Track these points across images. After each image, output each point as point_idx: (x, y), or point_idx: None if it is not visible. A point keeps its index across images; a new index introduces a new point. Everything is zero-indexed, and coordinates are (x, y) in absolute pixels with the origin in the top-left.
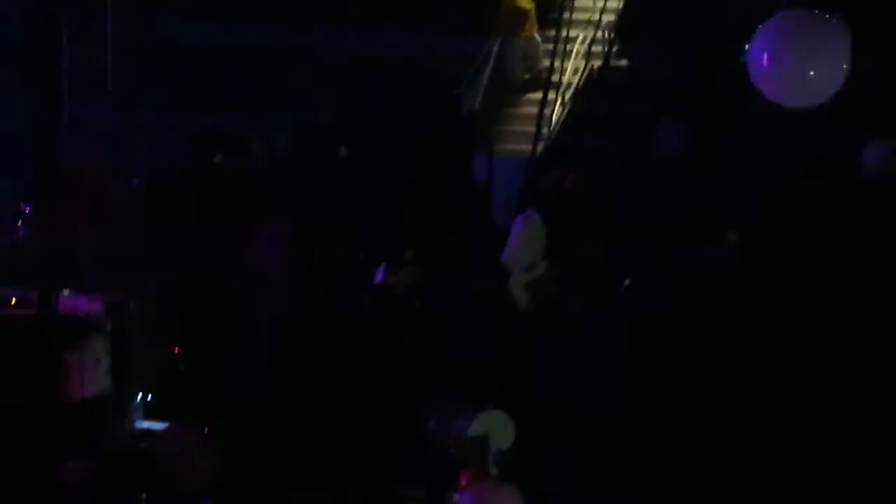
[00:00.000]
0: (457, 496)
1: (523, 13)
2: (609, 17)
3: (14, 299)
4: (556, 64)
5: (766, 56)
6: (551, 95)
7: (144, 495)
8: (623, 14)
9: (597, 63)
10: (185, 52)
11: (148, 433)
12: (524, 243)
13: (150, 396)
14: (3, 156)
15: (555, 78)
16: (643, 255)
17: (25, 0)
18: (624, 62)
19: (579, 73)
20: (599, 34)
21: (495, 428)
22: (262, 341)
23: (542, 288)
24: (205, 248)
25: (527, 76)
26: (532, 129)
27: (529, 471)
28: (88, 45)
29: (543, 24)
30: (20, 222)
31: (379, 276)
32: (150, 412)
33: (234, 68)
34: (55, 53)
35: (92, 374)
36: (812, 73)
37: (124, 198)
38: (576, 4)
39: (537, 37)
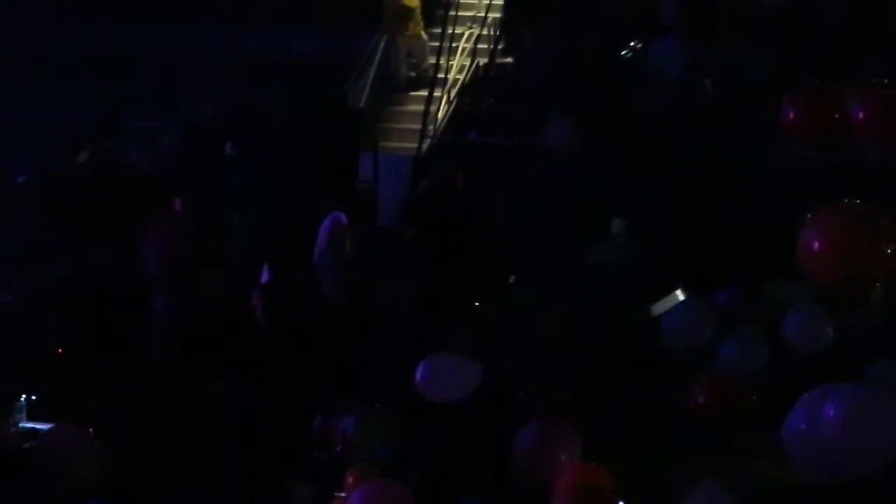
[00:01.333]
0: (343, 495)
1: (408, 11)
2: (495, 14)
3: None
4: (442, 61)
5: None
6: (437, 93)
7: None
8: (508, 10)
9: (483, 60)
10: (74, 52)
11: (32, 433)
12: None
13: (33, 397)
14: None
15: (441, 75)
16: (531, 252)
17: None
18: (510, 59)
19: (465, 71)
20: (485, 31)
21: (381, 426)
22: (150, 340)
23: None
24: (92, 246)
25: (413, 74)
26: (418, 126)
27: (415, 469)
28: None
29: (429, 21)
30: None
31: (264, 277)
32: (33, 413)
33: (121, 67)
34: None
35: None
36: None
37: (10, 195)
38: (461, 1)
39: (423, 34)
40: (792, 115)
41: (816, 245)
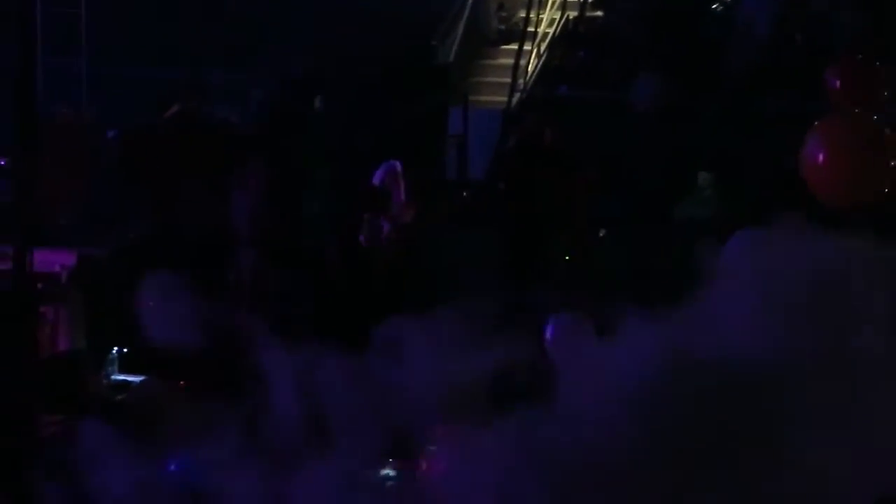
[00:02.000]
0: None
1: None
2: None
3: None
4: (532, 15)
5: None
6: (527, 47)
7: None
8: None
9: (573, 13)
10: (157, 4)
11: (124, 386)
12: None
13: (125, 350)
14: None
15: (531, 29)
16: (620, 206)
17: None
18: (599, 13)
19: (555, 24)
20: None
21: None
22: (239, 295)
23: None
24: (181, 201)
25: (502, 27)
26: (508, 80)
27: None
28: None
29: None
30: None
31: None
32: (125, 366)
33: (208, 20)
34: (27, 5)
35: (67, 328)
36: None
37: (101, 150)
38: None
39: None
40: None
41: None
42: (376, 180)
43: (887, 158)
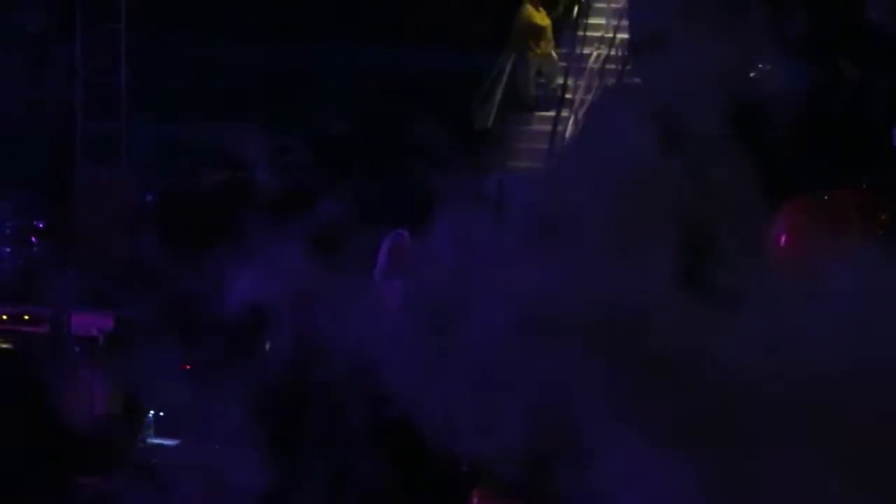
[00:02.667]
0: None
1: (540, 29)
2: (623, 35)
3: (27, 316)
4: (570, 81)
5: None
6: (565, 113)
7: None
8: (636, 32)
9: (611, 80)
10: (197, 65)
11: (160, 449)
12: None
13: (160, 413)
14: (21, 171)
15: (568, 95)
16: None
17: (40, 16)
18: (638, 80)
19: (593, 91)
20: (613, 52)
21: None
22: (271, 363)
23: None
24: (216, 264)
25: (541, 93)
26: (545, 146)
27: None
28: (103, 59)
29: (558, 41)
30: (34, 239)
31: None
32: (161, 429)
33: (253, 82)
34: (69, 67)
35: (103, 391)
36: None
37: (139, 212)
38: (590, 22)
39: (553, 54)
40: None
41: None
42: (382, 253)
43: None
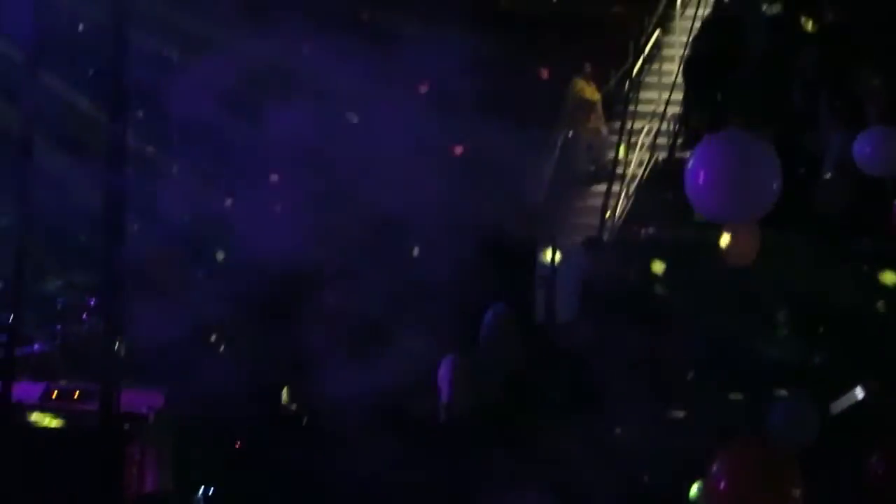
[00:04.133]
0: None
1: (589, 105)
2: (674, 109)
3: (77, 393)
4: (621, 156)
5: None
6: (616, 188)
7: None
8: (687, 106)
9: (662, 155)
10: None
11: None
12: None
13: (211, 491)
14: (71, 247)
15: (619, 170)
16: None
17: (90, 95)
18: (689, 154)
19: (644, 165)
20: (664, 126)
21: None
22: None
23: None
24: (274, 341)
25: (592, 168)
26: (596, 221)
27: None
28: (155, 137)
29: (608, 115)
30: (85, 315)
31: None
32: None
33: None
34: (120, 145)
35: (153, 468)
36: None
37: (191, 289)
38: (641, 96)
39: (603, 129)
40: None
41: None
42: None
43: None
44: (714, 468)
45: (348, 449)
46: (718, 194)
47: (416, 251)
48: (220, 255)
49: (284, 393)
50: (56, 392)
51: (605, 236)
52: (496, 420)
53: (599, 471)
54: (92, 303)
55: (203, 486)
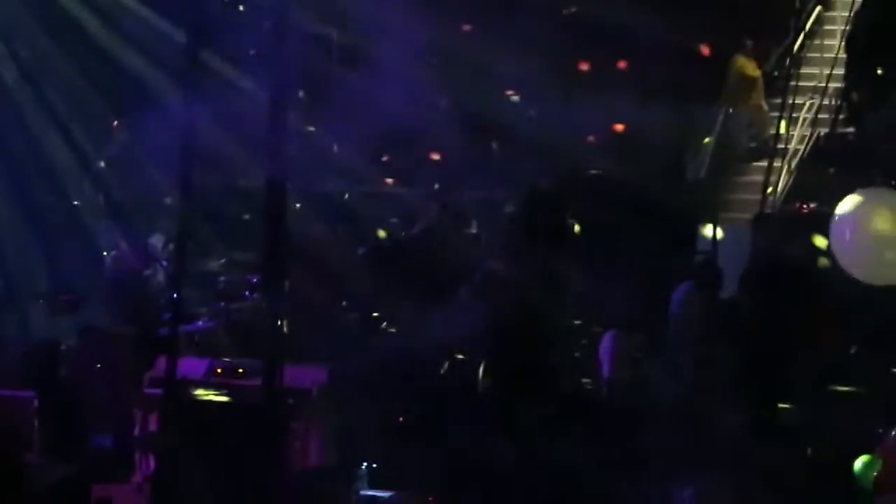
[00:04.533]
0: None
1: (751, 81)
2: (835, 84)
3: (241, 369)
4: (783, 132)
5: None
6: (777, 163)
7: None
8: (849, 81)
9: (823, 130)
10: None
11: (373, 501)
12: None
13: (374, 465)
14: (242, 229)
15: (780, 146)
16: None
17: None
18: (851, 129)
19: (805, 141)
20: (826, 101)
21: (719, 494)
22: (482, 411)
23: None
24: (428, 315)
25: (753, 144)
26: (758, 197)
27: None
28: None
29: (769, 91)
30: (248, 292)
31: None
32: (374, 480)
33: (456, 137)
34: (280, 129)
35: (317, 443)
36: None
37: (351, 267)
38: (802, 72)
39: (764, 105)
40: None
41: None
42: (675, 301)
43: None
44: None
45: (513, 425)
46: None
47: (576, 227)
48: (382, 234)
49: (481, 369)
50: (220, 368)
51: (768, 212)
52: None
53: (766, 446)
54: (254, 280)
55: (366, 461)
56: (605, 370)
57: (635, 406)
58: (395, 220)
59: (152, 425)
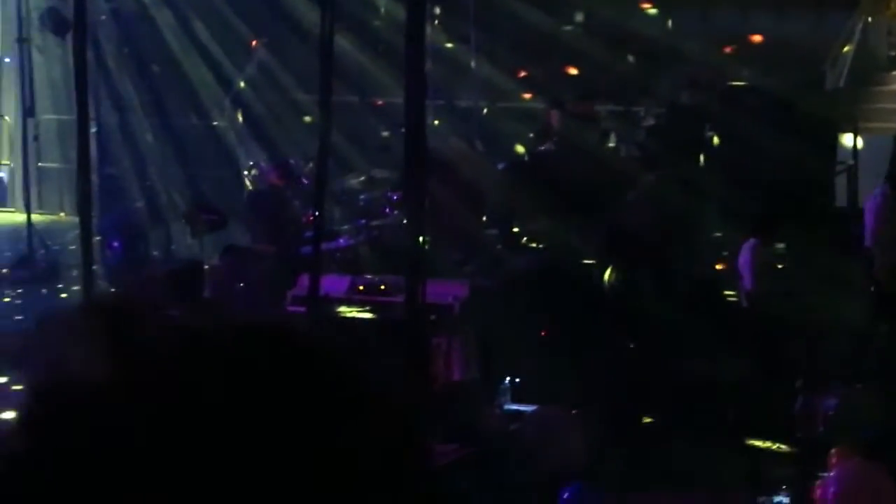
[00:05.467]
0: (825, 474)
1: None
2: None
3: (383, 286)
4: None
5: None
6: None
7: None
8: None
9: None
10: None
11: (517, 416)
12: (880, 223)
13: (518, 379)
14: (373, 143)
15: None
16: None
17: None
18: None
19: None
20: None
21: (865, 405)
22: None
23: None
24: (567, 227)
25: (893, 53)
26: None
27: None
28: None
29: None
30: (388, 210)
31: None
32: (517, 395)
33: (602, 53)
34: (419, 39)
35: (459, 358)
36: None
37: (492, 182)
38: None
39: None
40: None
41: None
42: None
43: None
44: None
45: (654, 337)
46: None
47: (715, 140)
48: (520, 149)
49: (608, 273)
50: (362, 285)
51: None
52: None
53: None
54: (394, 197)
55: (509, 376)
56: (747, 282)
57: (779, 317)
58: (531, 135)
59: None
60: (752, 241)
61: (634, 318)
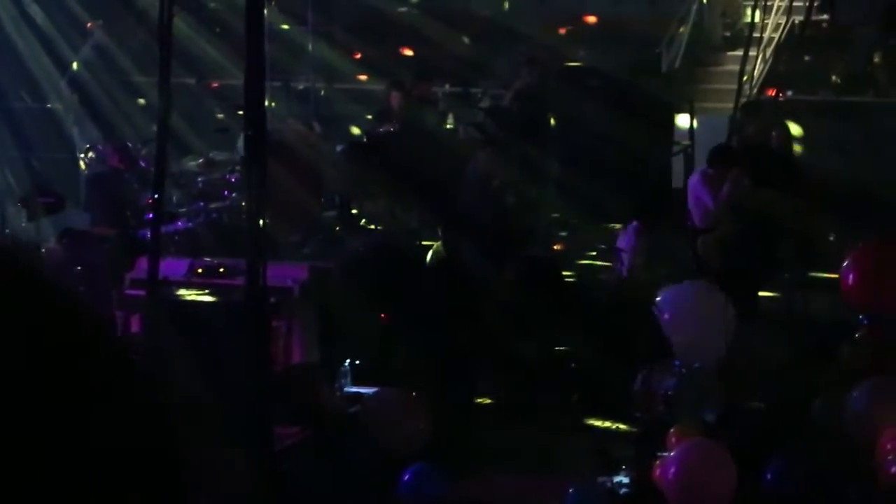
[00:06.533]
0: (665, 454)
1: None
2: None
3: (222, 269)
4: (757, 20)
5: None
6: (752, 52)
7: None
8: None
9: (798, 18)
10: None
11: (357, 398)
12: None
13: (357, 361)
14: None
15: (756, 34)
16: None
17: None
18: (825, 17)
19: (780, 29)
20: None
21: (702, 386)
22: (464, 302)
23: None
24: (406, 208)
25: (727, 33)
26: (734, 86)
27: (735, 429)
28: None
29: None
30: (227, 192)
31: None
32: (358, 377)
33: (435, 35)
34: (258, 28)
35: (300, 341)
36: None
37: (330, 164)
38: None
39: None
40: None
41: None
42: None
43: None
44: None
45: (486, 315)
46: None
47: (552, 120)
48: (356, 131)
49: (431, 251)
50: (201, 268)
51: (744, 100)
52: None
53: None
54: (233, 179)
55: (349, 359)
56: (625, 263)
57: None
58: (370, 116)
59: (134, 327)
60: (634, 223)
61: (459, 296)
